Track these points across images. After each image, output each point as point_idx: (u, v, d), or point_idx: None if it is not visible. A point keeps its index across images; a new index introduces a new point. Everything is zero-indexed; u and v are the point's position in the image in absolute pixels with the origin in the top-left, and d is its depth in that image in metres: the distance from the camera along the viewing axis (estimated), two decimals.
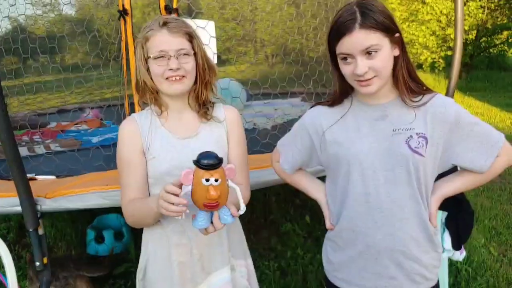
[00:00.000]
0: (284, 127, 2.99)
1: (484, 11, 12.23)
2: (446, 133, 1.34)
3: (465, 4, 12.15)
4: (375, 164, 1.38)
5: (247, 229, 3.77)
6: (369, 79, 1.30)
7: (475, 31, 12.68)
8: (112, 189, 2.18)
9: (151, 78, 1.47)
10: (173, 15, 1.50)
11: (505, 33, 13.12)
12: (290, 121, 3.86)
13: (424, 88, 1.39)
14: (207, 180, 1.17)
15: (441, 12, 12.13)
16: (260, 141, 3.04)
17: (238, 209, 1.29)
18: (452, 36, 11.59)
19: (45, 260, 2.13)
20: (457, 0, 2.96)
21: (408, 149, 1.33)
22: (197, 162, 1.18)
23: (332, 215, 1.55)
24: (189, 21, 2.38)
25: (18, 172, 1.96)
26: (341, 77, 1.40)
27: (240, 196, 1.29)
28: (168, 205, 1.21)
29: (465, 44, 12.26)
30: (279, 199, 4.39)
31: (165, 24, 1.43)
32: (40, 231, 2.11)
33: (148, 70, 1.46)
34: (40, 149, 3.45)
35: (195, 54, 1.47)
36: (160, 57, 1.42)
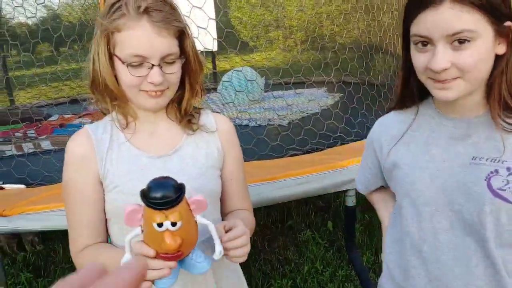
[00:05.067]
0: (299, 125, 2.49)
1: None
2: None
3: None
4: (439, 200, 0.97)
5: (262, 235, 3.40)
6: (449, 80, 0.88)
7: None
8: None
9: (117, 82, 1.01)
10: None
11: None
12: (309, 116, 3.35)
13: None
14: (160, 225, 0.76)
15: None
16: (269, 143, 2.54)
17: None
18: None
19: None
20: None
21: (486, 189, 0.91)
22: (144, 197, 0.77)
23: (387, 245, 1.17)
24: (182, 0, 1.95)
25: None
26: (409, 69, 0.97)
27: (215, 237, 0.88)
28: (156, 272, 0.83)
29: None
30: (300, 200, 3.92)
31: (146, 11, 0.95)
32: None
33: (112, 66, 1.00)
34: (27, 147, 3.08)
35: (185, 56, 1.03)
36: (137, 64, 0.97)
